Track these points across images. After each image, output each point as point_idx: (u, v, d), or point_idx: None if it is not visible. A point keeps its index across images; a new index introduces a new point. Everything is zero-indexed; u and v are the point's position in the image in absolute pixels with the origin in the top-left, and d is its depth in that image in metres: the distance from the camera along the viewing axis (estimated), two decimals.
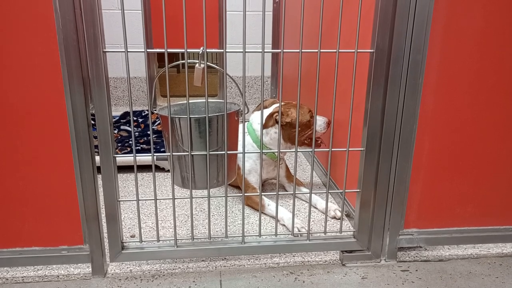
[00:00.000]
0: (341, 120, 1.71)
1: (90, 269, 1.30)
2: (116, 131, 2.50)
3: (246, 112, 1.29)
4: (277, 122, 1.72)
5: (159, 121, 2.61)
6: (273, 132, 1.75)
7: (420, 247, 1.47)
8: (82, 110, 1.14)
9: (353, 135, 1.31)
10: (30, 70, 1.11)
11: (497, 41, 1.24)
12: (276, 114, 1.71)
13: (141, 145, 2.27)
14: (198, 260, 1.39)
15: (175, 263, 1.37)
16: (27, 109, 1.14)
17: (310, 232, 1.37)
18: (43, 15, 1.07)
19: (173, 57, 3.95)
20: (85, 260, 1.29)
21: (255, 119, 1.80)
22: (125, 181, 2.02)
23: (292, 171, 1.94)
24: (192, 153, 1.23)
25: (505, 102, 1.30)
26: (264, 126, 1.72)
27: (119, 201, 1.25)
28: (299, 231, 1.48)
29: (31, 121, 1.15)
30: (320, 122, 1.77)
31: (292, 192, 1.35)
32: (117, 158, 1.21)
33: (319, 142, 1.85)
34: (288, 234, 1.45)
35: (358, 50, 1.18)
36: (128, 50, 1.11)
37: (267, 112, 1.76)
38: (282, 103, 1.79)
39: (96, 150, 1.19)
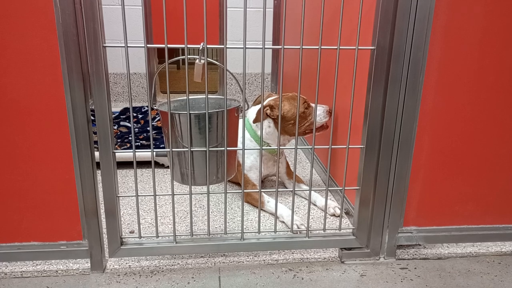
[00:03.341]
0: (341, 116, 1.70)
1: (89, 265, 1.30)
2: (115, 127, 2.50)
3: (246, 109, 1.29)
4: (268, 116, 1.72)
5: (158, 117, 2.61)
6: (266, 126, 1.75)
7: (419, 245, 1.47)
8: (82, 106, 1.14)
9: (353, 133, 1.31)
10: (30, 64, 1.10)
11: (498, 40, 1.23)
12: (267, 108, 1.71)
13: (141, 141, 2.27)
14: (197, 256, 1.39)
15: (174, 259, 1.37)
16: (26, 104, 1.14)
17: (310, 229, 1.37)
18: (43, 9, 1.06)
19: (173, 52, 3.94)
20: (84, 255, 1.29)
21: (251, 114, 1.80)
22: (124, 177, 2.02)
23: (292, 167, 1.94)
24: (191, 149, 1.23)
25: (505, 102, 1.30)
26: (256, 120, 1.72)
27: (118, 196, 1.25)
28: (298, 228, 1.48)
29: (31, 116, 1.15)
30: (319, 112, 1.73)
31: (291, 189, 1.35)
32: (116, 154, 1.20)
33: (324, 125, 1.78)
34: (288, 231, 1.45)
35: (359, 47, 1.18)
36: (128, 45, 1.10)
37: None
38: (276, 96, 1.79)
39: (95, 145, 1.19)
